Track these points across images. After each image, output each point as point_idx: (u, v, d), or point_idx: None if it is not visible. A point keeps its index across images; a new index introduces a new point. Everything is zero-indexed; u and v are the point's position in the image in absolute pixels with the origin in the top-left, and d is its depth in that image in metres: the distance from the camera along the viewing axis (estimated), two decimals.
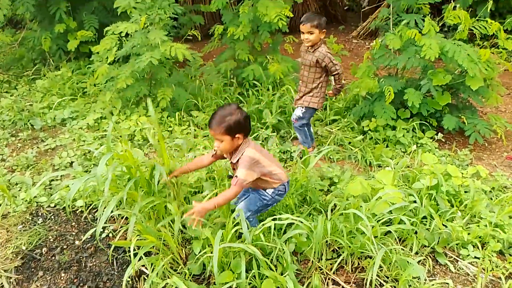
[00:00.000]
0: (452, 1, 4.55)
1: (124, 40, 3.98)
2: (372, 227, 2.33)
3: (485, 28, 3.61)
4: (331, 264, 2.40)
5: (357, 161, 3.60)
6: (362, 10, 8.37)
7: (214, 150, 2.37)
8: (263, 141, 3.74)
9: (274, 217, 2.25)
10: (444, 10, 3.71)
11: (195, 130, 3.84)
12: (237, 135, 2.18)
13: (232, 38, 4.57)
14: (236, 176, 2.17)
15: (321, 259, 2.38)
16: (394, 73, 4.23)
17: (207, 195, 2.56)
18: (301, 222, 2.28)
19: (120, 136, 3.76)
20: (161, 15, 3.81)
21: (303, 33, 3.25)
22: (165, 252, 2.29)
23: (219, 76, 4.82)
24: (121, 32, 3.76)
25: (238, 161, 2.24)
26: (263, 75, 4.56)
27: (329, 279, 2.33)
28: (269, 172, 2.29)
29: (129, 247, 2.15)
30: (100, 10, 5.35)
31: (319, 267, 2.36)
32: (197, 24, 5.68)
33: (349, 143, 3.79)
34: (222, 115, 2.16)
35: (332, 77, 3.48)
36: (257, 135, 3.77)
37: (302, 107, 3.49)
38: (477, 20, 3.67)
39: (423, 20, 3.82)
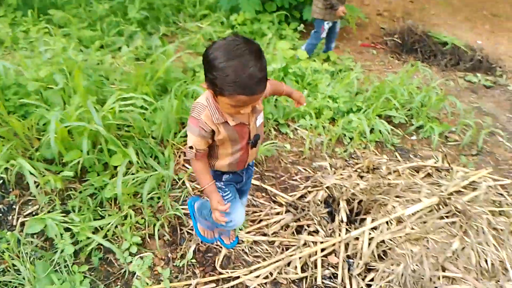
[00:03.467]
0: None
1: None
2: None
3: None
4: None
5: None
6: None
7: None
8: (129, 37, 3.68)
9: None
10: None
11: (52, 28, 3.62)
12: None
13: None
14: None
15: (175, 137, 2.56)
16: None
17: None
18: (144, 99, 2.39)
19: None
20: None
21: None
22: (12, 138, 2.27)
23: None
24: None
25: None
26: None
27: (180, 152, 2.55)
28: None
29: None
30: None
31: (173, 143, 2.55)
32: None
33: (218, 37, 3.89)
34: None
35: None
36: (120, 31, 3.68)
37: None
38: None
39: None
